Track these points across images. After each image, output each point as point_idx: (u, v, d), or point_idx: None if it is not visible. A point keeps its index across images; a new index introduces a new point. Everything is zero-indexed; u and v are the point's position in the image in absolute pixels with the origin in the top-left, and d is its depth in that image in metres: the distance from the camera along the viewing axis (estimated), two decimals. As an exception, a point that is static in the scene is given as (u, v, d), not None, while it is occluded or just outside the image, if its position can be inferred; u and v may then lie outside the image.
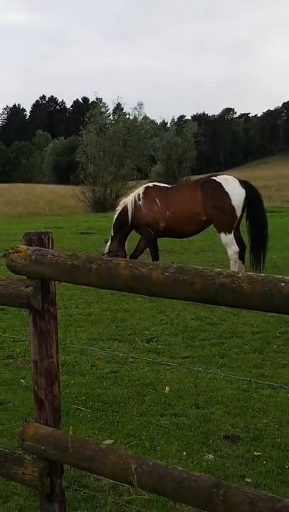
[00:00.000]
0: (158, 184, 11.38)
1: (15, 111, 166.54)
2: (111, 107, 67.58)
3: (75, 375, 6.16)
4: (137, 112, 56.90)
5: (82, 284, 2.60)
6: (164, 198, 10.56)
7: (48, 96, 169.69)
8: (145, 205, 10.64)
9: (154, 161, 60.43)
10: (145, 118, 59.31)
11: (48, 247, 2.80)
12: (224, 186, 10.00)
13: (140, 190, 10.94)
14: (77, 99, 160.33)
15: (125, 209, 10.90)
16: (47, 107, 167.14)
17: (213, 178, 10.41)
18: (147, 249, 11.11)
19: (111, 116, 63.63)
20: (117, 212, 11.13)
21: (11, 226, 26.03)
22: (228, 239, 10.05)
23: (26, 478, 2.85)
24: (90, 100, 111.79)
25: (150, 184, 11.29)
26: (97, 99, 64.91)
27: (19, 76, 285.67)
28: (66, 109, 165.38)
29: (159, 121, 70.91)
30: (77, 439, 2.73)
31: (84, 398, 5.54)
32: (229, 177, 10.52)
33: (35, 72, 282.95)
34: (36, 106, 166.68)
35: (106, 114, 64.32)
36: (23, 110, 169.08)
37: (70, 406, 5.35)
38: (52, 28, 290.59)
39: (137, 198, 10.74)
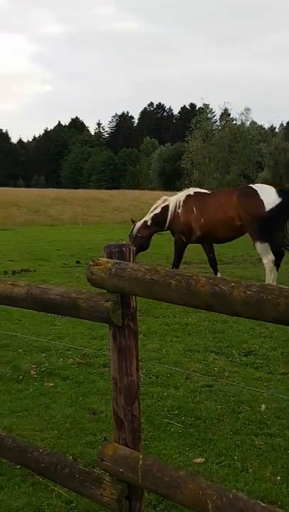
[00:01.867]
0: (199, 191, 11.43)
1: (123, 118, 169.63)
2: (218, 113, 67.27)
3: (168, 387, 6.03)
4: (243, 117, 56.35)
5: (160, 299, 2.47)
6: (201, 206, 10.77)
7: (155, 103, 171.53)
8: (183, 214, 10.90)
9: (260, 167, 59.54)
10: (252, 123, 58.63)
11: (129, 260, 2.69)
12: (259, 194, 9.99)
13: (182, 197, 11.10)
14: (184, 106, 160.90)
15: (166, 208, 11.18)
16: (154, 113, 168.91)
17: (251, 185, 10.66)
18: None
19: (218, 122, 63.32)
20: (160, 207, 11.36)
21: (115, 232, 26.39)
22: (262, 247, 9.93)
23: (105, 500, 2.75)
24: (197, 106, 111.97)
25: (191, 192, 11.31)
26: (204, 105, 64.91)
27: (128, 84, 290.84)
28: (173, 115, 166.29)
29: (266, 126, 69.80)
30: (156, 464, 2.60)
31: (176, 412, 5.40)
32: (267, 186, 10.54)
33: (143, 79, 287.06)
34: (144, 113, 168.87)
35: (212, 120, 64.10)
36: (131, 117, 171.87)
37: (162, 420, 5.23)
38: (160, 35, 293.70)
39: (177, 206, 10.98)
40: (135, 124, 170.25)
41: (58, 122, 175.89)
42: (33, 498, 3.97)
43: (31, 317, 8.78)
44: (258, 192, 10.03)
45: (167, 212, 11.14)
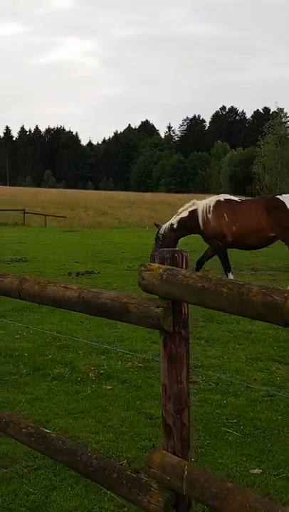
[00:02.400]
0: (229, 197, 11.54)
1: (194, 122, 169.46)
2: (293, 117, 66.17)
3: (228, 395, 5.95)
4: None
5: (211, 307, 2.41)
6: (232, 213, 10.95)
7: (228, 106, 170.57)
8: (214, 219, 11.00)
9: None
10: None
11: (182, 267, 2.65)
12: (287, 205, 10.52)
13: (212, 203, 11.16)
14: (258, 110, 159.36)
15: (195, 213, 11.17)
16: (226, 117, 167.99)
17: (278, 196, 11.00)
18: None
19: (292, 127, 62.29)
20: (188, 211, 11.31)
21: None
22: None
23: (152, 508, 2.71)
24: (271, 110, 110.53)
25: (221, 198, 11.41)
26: (278, 109, 63.93)
27: (200, 87, 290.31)
28: (246, 119, 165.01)
29: None
30: (203, 473, 2.54)
31: (235, 421, 5.31)
32: None
33: (216, 83, 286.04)
34: (216, 116, 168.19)
35: (286, 125, 63.06)
36: (203, 121, 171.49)
37: (220, 428, 5.16)
38: (234, 38, 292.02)
39: (207, 211, 11.07)
40: (206, 128, 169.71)
41: (128, 125, 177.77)
42: (85, 501, 3.99)
43: (92, 319, 8.84)
44: (286, 203, 10.56)
45: (194, 217, 11.21)
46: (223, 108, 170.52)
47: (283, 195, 10.94)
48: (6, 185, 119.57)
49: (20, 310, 9.78)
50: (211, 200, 11.31)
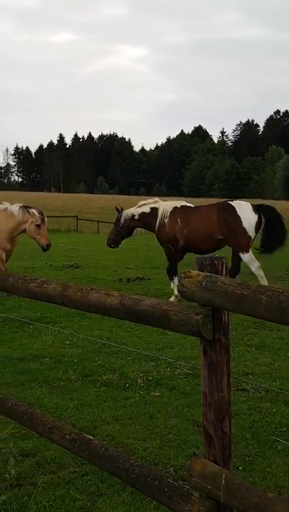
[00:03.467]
0: (185, 204, 12.12)
1: (248, 126, 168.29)
2: None
3: (278, 403, 5.86)
4: None
5: (250, 315, 2.38)
6: (185, 218, 11.60)
7: (282, 110, 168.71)
8: (169, 224, 11.67)
9: None
10: None
11: (221, 274, 2.62)
12: (237, 210, 11.15)
13: (169, 209, 11.83)
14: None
15: (156, 212, 11.89)
16: (281, 121, 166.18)
17: (229, 202, 11.65)
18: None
19: None
20: (149, 207, 12.04)
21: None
22: (247, 257, 11.10)
23: (193, 517, 2.69)
24: None
25: (178, 205, 11.99)
26: None
27: (253, 92, 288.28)
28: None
29: None
30: (244, 483, 2.51)
31: (285, 430, 5.23)
32: (244, 202, 11.57)
33: (269, 87, 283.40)
34: (270, 121, 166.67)
35: None
36: (256, 126, 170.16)
37: (269, 437, 5.09)
38: (287, 41, 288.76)
39: (164, 216, 11.77)
40: (260, 133, 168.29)
41: (180, 131, 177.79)
42: (131, 508, 3.98)
43: (142, 325, 8.84)
44: (236, 209, 11.19)
45: (154, 215, 11.91)
46: (278, 112, 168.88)
47: (235, 201, 11.64)
48: (59, 191, 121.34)
49: (70, 316, 9.88)
50: (170, 205, 11.95)
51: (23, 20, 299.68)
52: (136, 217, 12.13)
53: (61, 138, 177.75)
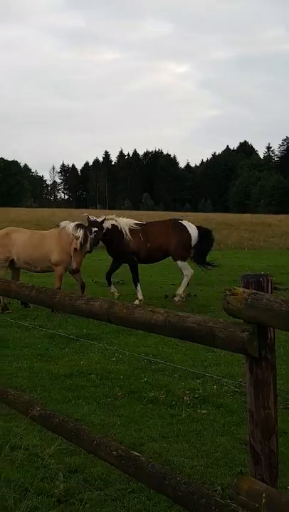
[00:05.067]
0: (138, 222, 14.08)
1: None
2: None
3: None
4: None
5: (296, 333, 2.38)
6: (145, 233, 13.57)
7: None
8: (133, 240, 13.36)
9: None
10: None
11: (267, 291, 2.62)
12: (188, 228, 13.74)
13: (127, 228, 13.48)
14: None
15: (117, 229, 13.33)
16: None
17: (180, 221, 14.23)
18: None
19: None
20: (110, 224, 13.37)
21: (281, 258, 25.86)
22: (184, 264, 13.78)
23: (240, 536, 2.67)
24: None
25: (132, 223, 13.76)
26: None
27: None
28: None
29: None
30: (292, 502, 2.48)
31: None
32: (189, 223, 14.20)
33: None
34: None
35: None
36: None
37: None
38: None
39: (127, 233, 13.37)
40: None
41: (226, 146, 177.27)
42: (178, 526, 3.97)
43: (188, 342, 8.81)
44: (187, 227, 13.75)
45: (116, 232, 13.33)
46: None
47: (183, 221, 14.26)
48: (105, 208, 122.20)
49: (115, 333, 9.92)
50: (127, 224, 13.63)
51: (69, 39, 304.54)
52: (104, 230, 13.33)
53: (106, 155, 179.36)
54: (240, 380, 7.01)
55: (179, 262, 13.77)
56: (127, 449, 3.34)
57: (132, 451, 3.30)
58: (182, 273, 13.91)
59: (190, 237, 13.68)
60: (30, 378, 7.42)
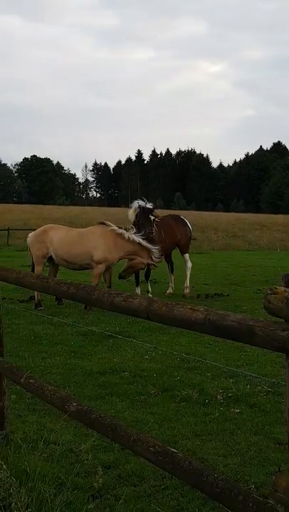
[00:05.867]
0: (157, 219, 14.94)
1: None
2: None
3: None
4: None
5: None
6: (162, 229, 14.47)
7: None
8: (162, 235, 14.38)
9: None
10: None
11: (308, 290, 2.62)
12: (187, 223, 15.62)
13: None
14: None
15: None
16: None
17: (182, 217, 15.96)
18: None
19: None
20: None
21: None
22: (188, 256, 15.53)
23: (278, 533, 2.68)
24: None
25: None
26: None
27: None
28: None
29: None
30: None
31: None
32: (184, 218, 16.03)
33: None
34: None
35: None
36: None
37: None
38: None
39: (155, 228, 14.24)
40: None
41: (259, 147, 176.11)
42: (212, 523, 3.99)
43: (221, 341, 8.84)
44: (186, 222, 15.57)
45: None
46: None
47: (182, 217, 16.00)
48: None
49: (149, 331, 9.97)
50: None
51: (103, 38, 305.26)
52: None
53: (139, 154, 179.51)
54: (274, 380, 7.00)
55: (186, 255, 15.42)
56: (164, 445, 3.36)
57: (169, 448, 3.32)
58: (186, 265, 15.31)
59: (190, 230, 15.76)
60: (63, 375, 7.50)
